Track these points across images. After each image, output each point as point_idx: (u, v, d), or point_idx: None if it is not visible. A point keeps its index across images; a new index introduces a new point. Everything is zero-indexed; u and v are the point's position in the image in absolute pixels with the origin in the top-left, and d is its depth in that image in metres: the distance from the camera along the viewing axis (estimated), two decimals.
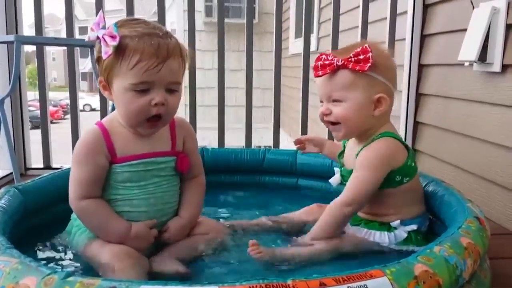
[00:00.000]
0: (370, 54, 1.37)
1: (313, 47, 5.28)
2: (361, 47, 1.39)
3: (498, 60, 1.94)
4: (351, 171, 1.49)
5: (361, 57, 1.38)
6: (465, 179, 2.20)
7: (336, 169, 1.64)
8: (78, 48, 2.60)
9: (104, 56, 1.24)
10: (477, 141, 2.14)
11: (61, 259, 1.35)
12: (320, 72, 1.44)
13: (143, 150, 1.34)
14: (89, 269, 1.25)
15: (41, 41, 2.31)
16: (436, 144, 2.52)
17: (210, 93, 5.95)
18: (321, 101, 1.51)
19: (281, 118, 3.00)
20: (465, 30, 2.14)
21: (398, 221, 1.45)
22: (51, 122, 2.87)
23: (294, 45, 6.67)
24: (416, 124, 2.74)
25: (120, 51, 1.22)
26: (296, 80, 5.76)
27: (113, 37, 1.22)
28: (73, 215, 1.42)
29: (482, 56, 1.99)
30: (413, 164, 1.48)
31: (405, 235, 1.45)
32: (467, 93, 2.23)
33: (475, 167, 2.15)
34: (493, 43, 1.96)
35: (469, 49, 2.05)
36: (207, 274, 1.27)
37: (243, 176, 2.21)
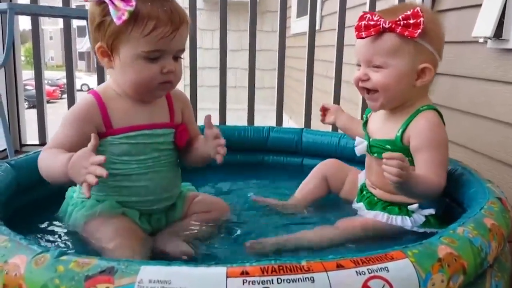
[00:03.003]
0: (422, 19, 1.26)
1: (316, 26, 5.15)
2: (412, 10, 1.27)
3: None
4: (383, 141, 1.40)
5: (411, 21, 1.27)
6: (476, 160, 2.12)
7: (359, 139, 1.53)
8: (75, 27, 2.50)
9: (117, 22, 1.14)
10: (488, 121, 2.06)
11: (55, 238, 1.27)
12: (363, 33, 1.32)
13: (141, 121, 1.28)
14: (87, 249, 1.17)
15: (35, 10, 2.21)
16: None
17: (209, 73, 5.85)
18: (358, 65, 1.40)
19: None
20: (478, 6, 2.05)
21: (416, 205, 1.37)
22: (48, 102, 2.80)
23: (296, 25, 6.52)
24: None
25: (131, 16, 1.15)
26: (297, 60, 5.66)
27: (126, 1, 1.14)
28: (68, 193, 1.36)
29: (498, 33, 1.91)
30: None
31: (423, 219, 1.37)
32: (479, 72, 2.15)
33: (486, 148, 2.08)
34: (510, 18, 1.87)
35: (484, 25, 1.96)
36: (212, 254, 1.20)
37: (246, 155, 2.12)
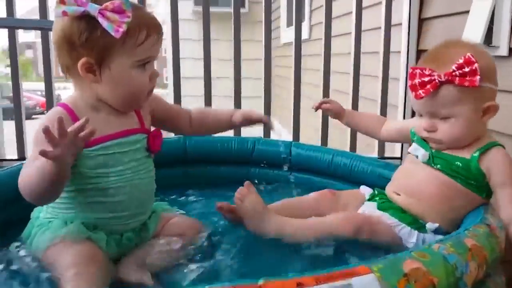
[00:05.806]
0: (476, 65, 1.23)
1: (305, 35, 5.14)
2: (463, 58, 1.24)
3: (505, 43, 1.80)
4: (455, 158, 1.33)
5: (467, 69, 1.23)
6: None
7: (414, 145, 1.44)
8: None
9: (116, 35, 1.11)
10: None
11: (14, 266, 1.17)
12: (421, 91, 1.28)
13: (114, 130, 1.23)
14: (47, 278, 1.09)
15: (13, 23, 2.14)
16: None
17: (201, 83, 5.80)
18: (420, 114, 1.38)
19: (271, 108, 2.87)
20: (466, 12, 2.01)
21: (436, 225, 1.31)
22: (42, 113, 2.72)
23: (286, 34, 6.51)
24: (414, 114, 2.60)
25: None
26: (289, 69, 5.60)
27: (121, 13, 1.11)
28: (33, 214, 1.28)
29: (487, 39, 1.86)
30: None
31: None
32: None
33: None
34: (499, 25, 1.82)
35: (473, 32, 1.91)
36: (177, 280, 1.13)
37: (230, 168, 2.03)
